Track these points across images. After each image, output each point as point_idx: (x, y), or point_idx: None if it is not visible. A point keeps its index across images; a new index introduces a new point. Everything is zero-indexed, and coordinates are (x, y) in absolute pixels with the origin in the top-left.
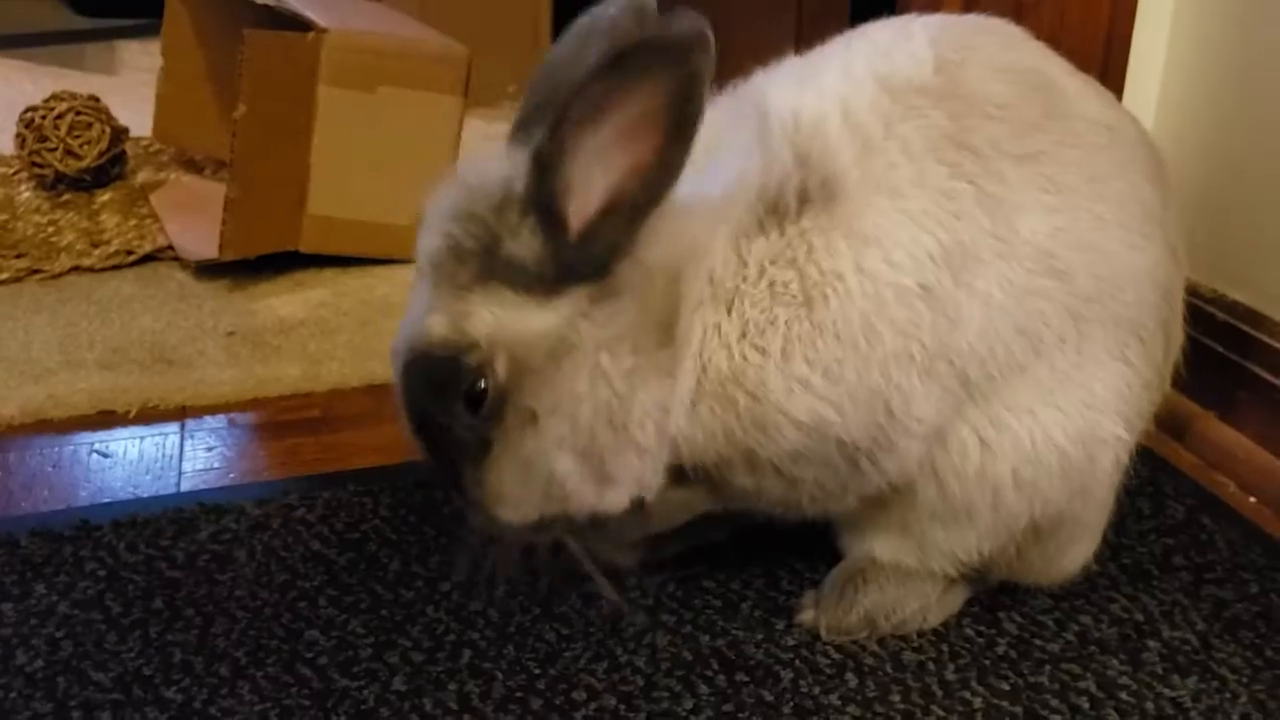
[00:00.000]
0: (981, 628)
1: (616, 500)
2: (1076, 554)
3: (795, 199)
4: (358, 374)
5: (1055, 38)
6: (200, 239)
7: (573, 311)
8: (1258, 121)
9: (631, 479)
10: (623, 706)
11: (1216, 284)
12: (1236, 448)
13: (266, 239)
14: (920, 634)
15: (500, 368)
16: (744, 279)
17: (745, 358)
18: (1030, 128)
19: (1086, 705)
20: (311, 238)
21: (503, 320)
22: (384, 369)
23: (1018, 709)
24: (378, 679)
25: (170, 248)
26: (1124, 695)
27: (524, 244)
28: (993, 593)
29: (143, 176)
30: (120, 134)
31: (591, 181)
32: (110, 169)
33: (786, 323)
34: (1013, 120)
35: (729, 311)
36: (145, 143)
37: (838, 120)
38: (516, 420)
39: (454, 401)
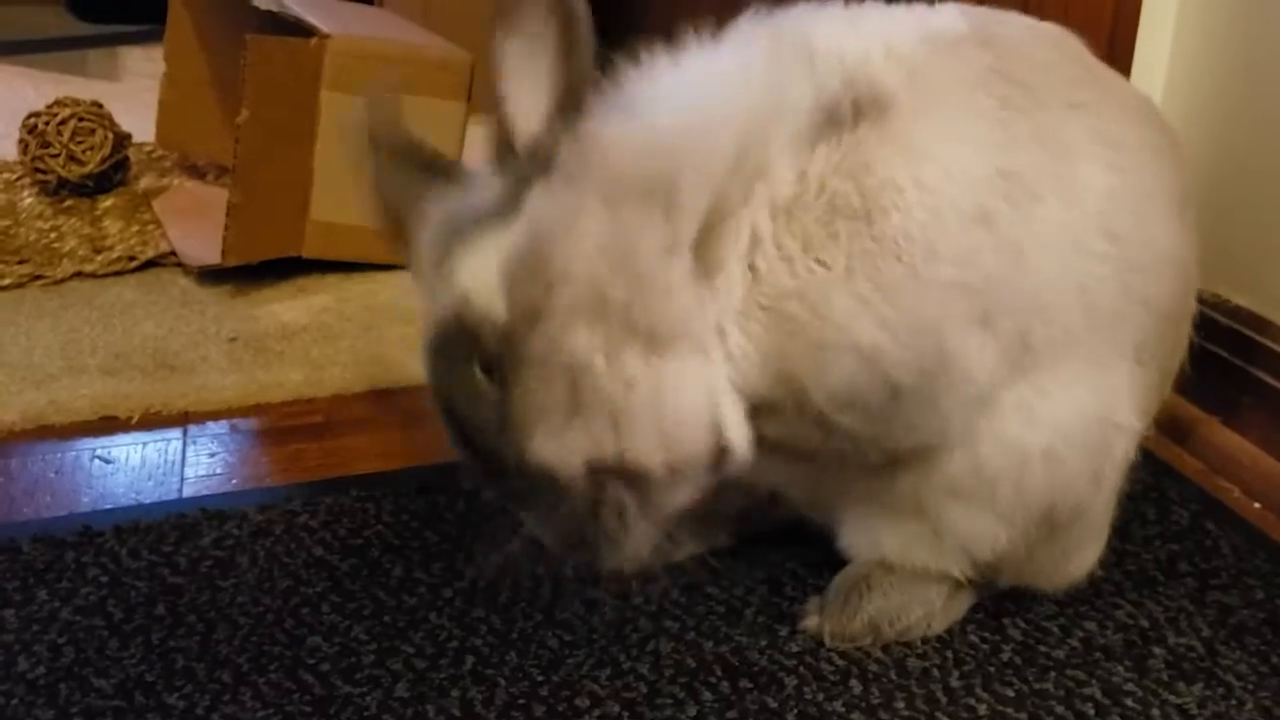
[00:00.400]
0: (986, 634)
1: (679, 376)
2: (1084, 557)
3: (851, 112)
4: (360, 379)
5: None
6: (203, 245)
7: (531, 210)
8: (1263, 123)
9: (676, 327)
10: (626, 713)
11: (1220, 289)
12: (1241, 453)
13: (269, 245)
14: (925, 640)
15: (496, 309)
16: (806, 191)
17: (811, 271)
18: (1075, 80)
19: (1092, 712)
20: (314, 243)
21: (479, 262)
22: (387, 374)
23: (1022, 715)
24: (380, 686)
25: (173, 254)
26: (1129, 702)
27: (482, 190)
28: (997, 599)
29: (145, 182)
30: (123, 140)
31: (522, 109)
32: (113, 175)
33: (849, 237)
34: (1057, 72)
35: (788, 221)
36: (148, 148)
37: (881, 55)
38: (525, 332)
39: (469, 367)
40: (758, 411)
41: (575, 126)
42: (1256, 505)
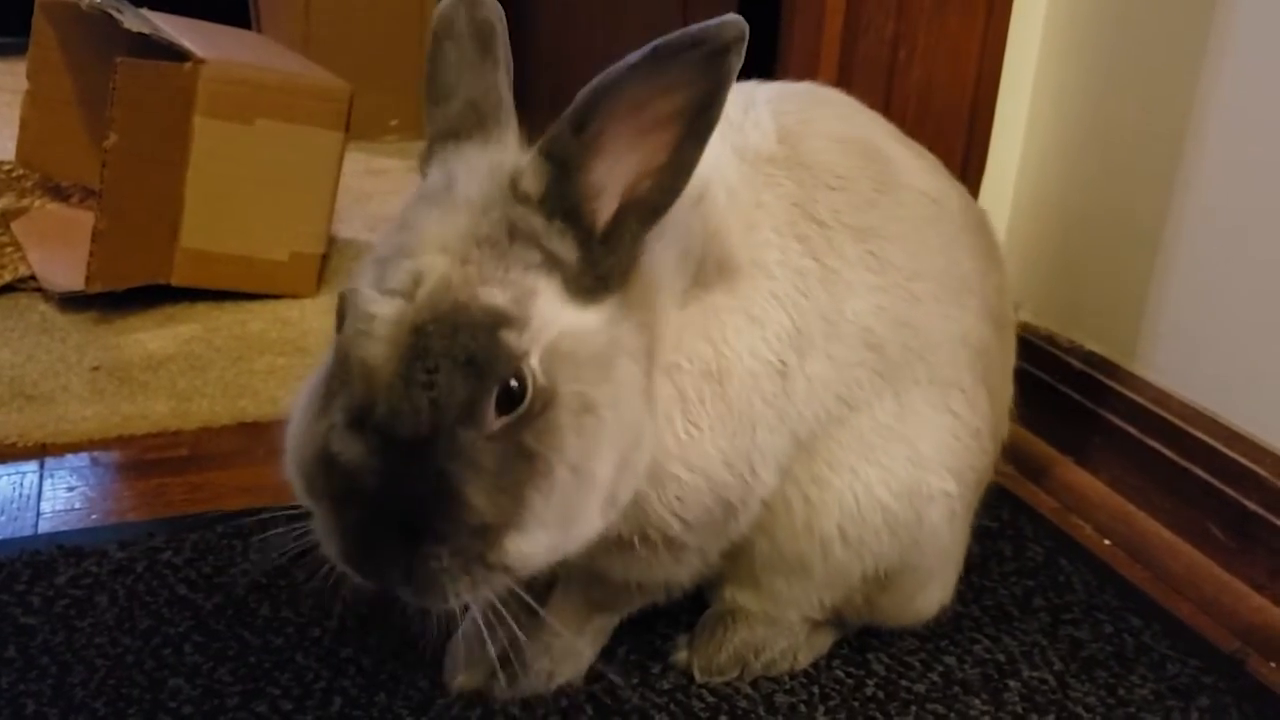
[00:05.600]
0: (851, 669)
1: (602, 527)
2: (928, 599)
3: (712, 273)
4: (229, 412)
5: (924, 99)
6: (65, 270)
7: (612, 316)
8: (1111, 182)
9: (625, 497)
10: None
11: (1073, 335)
12: (1092, 492)
13: (137, 271)
14: (792, 676)
15: (537, 364)
16: (679, 352)
17: (689, 435)
18: (864, 202)
19: None
20: (184, 271)
21: (559, 313)
22: (256, 407)
23: None
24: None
25: (33, 278)
26: None
27: (559, 245)
28: (862, 634)
29: (4, 203)
30: None
31: (609, 181)
32: None
33: (710, 400)
34: (850, 191)
35: (671, 383)
36: (8, 167)
37: (723, 194)
38: (572, 415)
39: (486, 389)
40: (602, 551)
41: (645, 246)
42: (1107, 542)
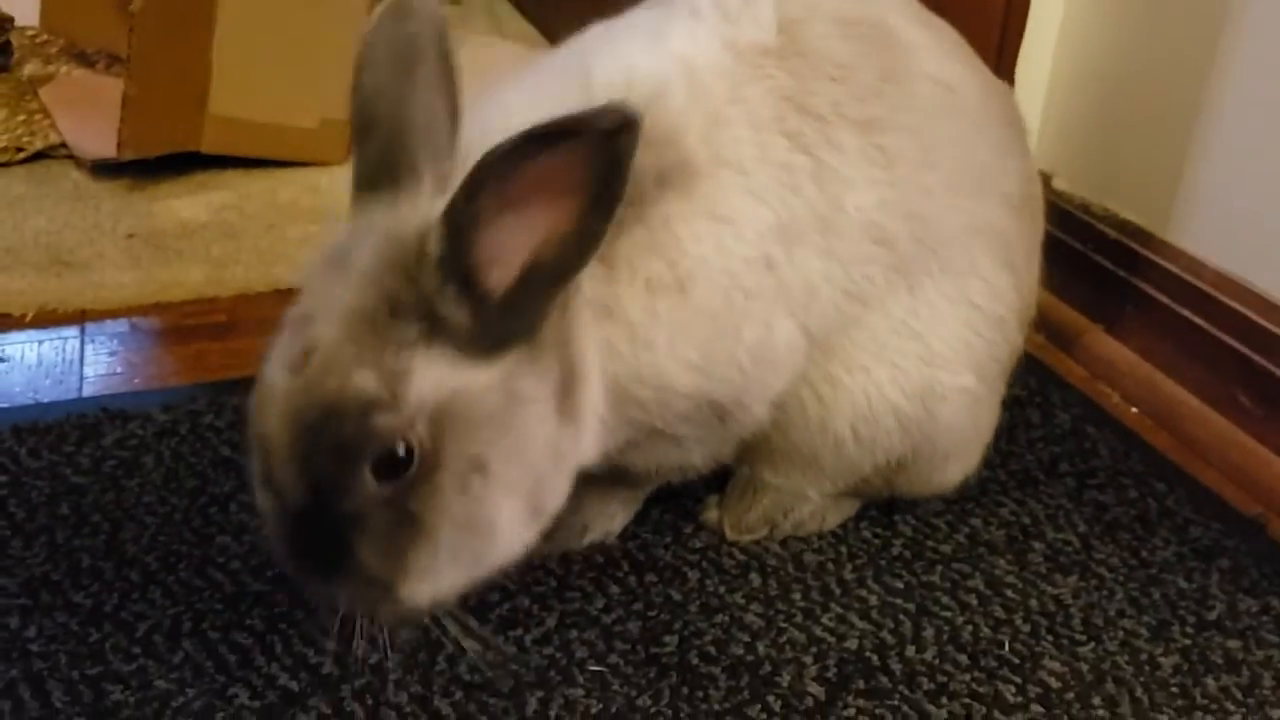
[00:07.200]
0: (878, 530)
1: (534, 536)
2: (947, 475)
3: (653, 184)
4: (263, 279)
5: None
6: (96, 137)
7: (514, 368)
8: (1153, 48)
9: (555, 505)
10: (536, 606)
11: (1108, 202)
12: (1121, 360)
13: (167, 138)
14: (820, 536)
15: (423, 429)
16: (618, 283)
17: (639, 359)
18: (869, 91)
19: (975, 602)
20: (213, 138)
21: (445, 379)
22: (291, 274)
23: (910, 605)
24: (291, 582)
25: (64, 145)
26: (1010, 593)
27: (451, 308)
28: (889, 497)
29: (30, 69)
30: (4, 23)
31: (509, 246)
32: None
33: (668, 311)
34: (853, 82)
35: (611, 319)
36: (31, 33)
37: (682, 89)
38: (456, 477)
39: (358, 468)
40: (621, 452)
41: (558, 300)
42: (1134, 410)
